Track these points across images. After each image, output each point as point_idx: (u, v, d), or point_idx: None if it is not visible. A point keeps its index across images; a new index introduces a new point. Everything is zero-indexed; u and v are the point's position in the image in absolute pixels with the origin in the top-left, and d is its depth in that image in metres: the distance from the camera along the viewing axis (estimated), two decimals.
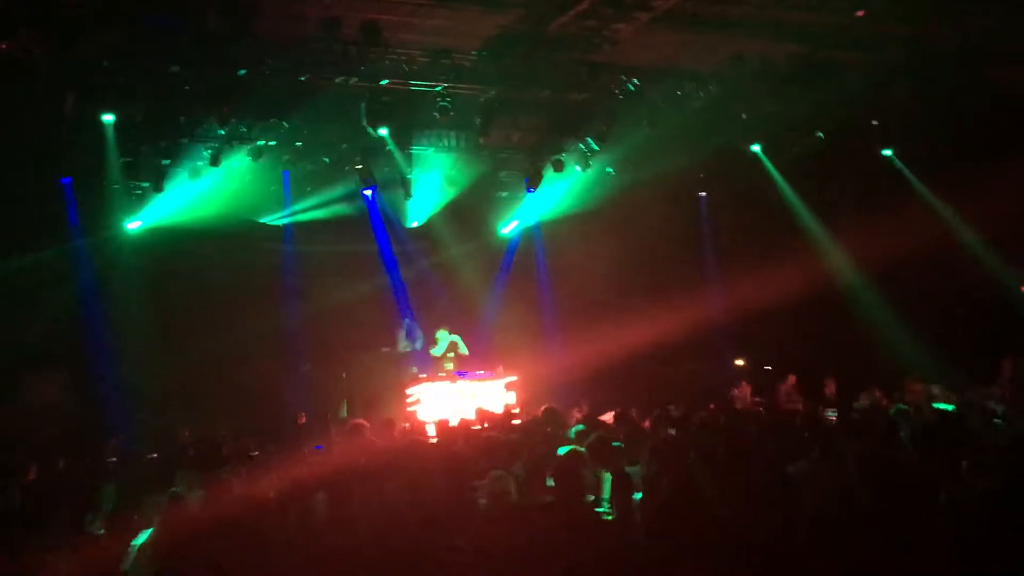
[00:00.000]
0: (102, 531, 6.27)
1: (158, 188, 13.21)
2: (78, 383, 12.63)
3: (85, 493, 7.42)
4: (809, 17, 11.84)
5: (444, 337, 14.10)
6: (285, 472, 7.24)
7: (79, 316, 13.18)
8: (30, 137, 11.44)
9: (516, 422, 10.10)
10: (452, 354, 13.97)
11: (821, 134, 14.45)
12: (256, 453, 10.34)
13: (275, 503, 6.25)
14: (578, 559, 5.11)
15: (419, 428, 10.72)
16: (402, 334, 14.35)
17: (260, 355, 14.07)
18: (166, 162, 13.15)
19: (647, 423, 9.56)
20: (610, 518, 5.98)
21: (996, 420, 7.82)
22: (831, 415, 9.22)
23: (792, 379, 13.55)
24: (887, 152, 15.18)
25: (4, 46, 10.07)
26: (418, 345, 14.26)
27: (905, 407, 9.35)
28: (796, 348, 14.43)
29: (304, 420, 12.72)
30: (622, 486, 6.18)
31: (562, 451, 6.40)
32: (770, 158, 15.32)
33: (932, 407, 9.09)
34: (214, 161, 13.20)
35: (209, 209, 14.05)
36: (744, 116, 14.32)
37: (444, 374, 13.64)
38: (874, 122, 14.64)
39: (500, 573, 5.20)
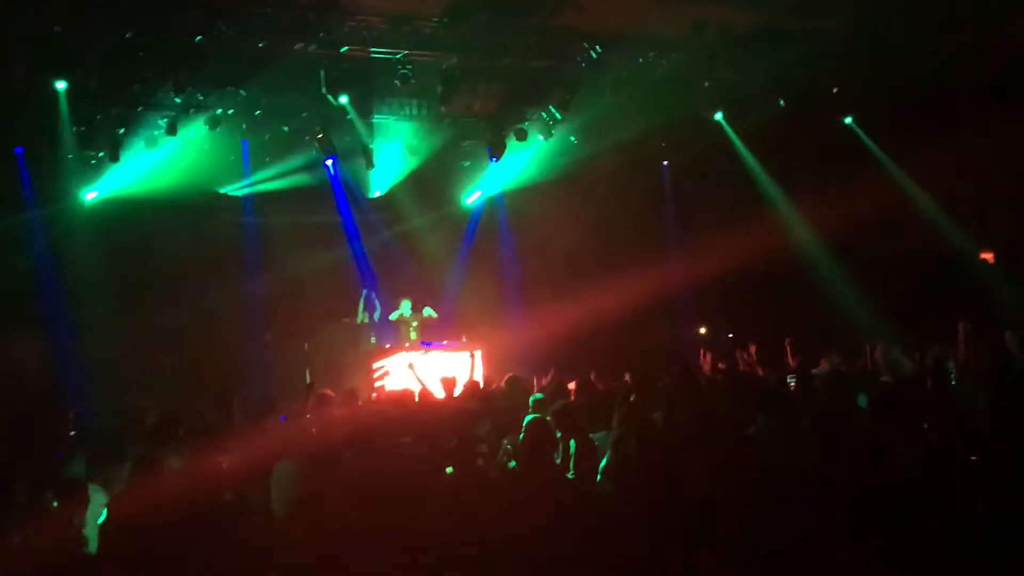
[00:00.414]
0: (56, 504, 6.17)
1: (114, 158, 12.95)
2: (36, 355, 12.39)
3: (45, 466, 7.29)
4: None
5: (407, 307, 14.03)
6: (251, 443, 7.19)
7: (35, 288, 12.91)
8: None
9: (480, 391, 10.10)
10: (416, 323, 13.91)
11: (782, 102, 14.50)
12: (217, 425, 10.29)
13: (241, 476, 6.20)
14: (551, 524, 5.15)
15: (385, 399, 10.68)
16: (361, 305, 14.27)
17: (221, 327, 13.95)
18: (121, 131, 12.88)
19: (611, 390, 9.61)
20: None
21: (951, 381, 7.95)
22: (791, 381, 9.31)
23: (752, 348, 13.64)
24: (847, 120, 15.29)
25: None
26: (376, 316, 14.19)
27: (864, 372, 9.53)
28: (757, 316, 14.55)
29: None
30: (587, 452, 6.22)
31: (528, 419, 6.42)
32: (732, 126, 15.36)
33: (892, 369, 9.23)
34: (171, 130, 12.91)
35: (166, 179, 13.79)
36: (706, 84, 14.31)
37: (408, 344, 13.59)
38: (834, 89, 14.70)
39: (469, 543, 5.22)
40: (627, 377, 9.58)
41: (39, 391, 11.93)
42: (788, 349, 10.73)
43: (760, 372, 10.43)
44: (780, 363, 11.63)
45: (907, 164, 14.65)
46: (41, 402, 11.56)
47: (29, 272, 12.96)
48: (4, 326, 12.17)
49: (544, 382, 10.56)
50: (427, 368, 12.09)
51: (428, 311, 14.03)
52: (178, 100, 12.49)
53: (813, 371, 9.67)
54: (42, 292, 12.99)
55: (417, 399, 9.23)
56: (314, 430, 7.89)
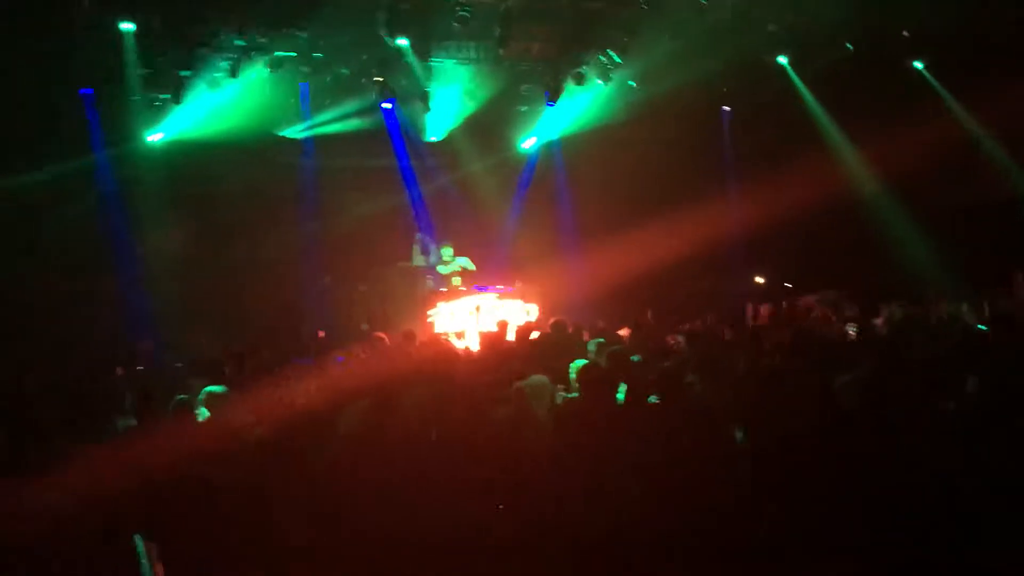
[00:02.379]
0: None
1: (177, 99, 13.16)
2: (104, 292, 12.75)
3: (116, 396, 7.54)
4: None
5: (448, 255, 14.10)
6: (310, 383, 7.31)
7: (102, 228, 13.24)
8: (48, 46, 11.33)
9: (535, 335, 10.17)
10: (458, 278, 13.98)
11: (850, 45, 14.10)
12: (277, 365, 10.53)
13: (302, 415, 6.29)
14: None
15: (439, 341, 10.81)
16: (416, 248, 14.39)
17: (279, 268, 14.19)
18: (185, 73, 13.04)
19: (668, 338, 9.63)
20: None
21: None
22: (852, 330, 9.22)
23: (810, 299, 13.47)
24: (918, 64, 14.82)
25: None
26: (432, 260, 14.31)
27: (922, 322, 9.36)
28: (816, 265, 14.36)
29: (323, 335, 12.85)
30: (637, 394, 6.24)
31: (579, 363, 6.48)
32: (796, 71, 15.00)
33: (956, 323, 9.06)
34: (233, 72, 13.07)
35: (228, 121, 13.96)
36: (770, 27, 13.97)
37: (463, 289, 13.71)
38: (904, 33, 14.23)
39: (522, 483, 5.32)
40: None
41: (110, 328, 12.27)
42: (848, 299, 10.60)
43: (822, 321, 10.30)
44: (840, 312, 11.51)
45: (977, 110, 14.17)
46: (112, 339, 11.91)
47: (96, 212, 13.27)
48: (74, 267, 12.50)
49: (601, 325, 10.59)
50: (481, 312, 12.19)
51: (465, 261, 14.08)
52: (240, 42, 12.61)
53: (873, 321, 9.58)
54: (109, 232, 13.30)
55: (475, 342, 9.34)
56: (371, 371, 8.01)
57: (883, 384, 5.23)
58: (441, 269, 14.04)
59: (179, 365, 10.27)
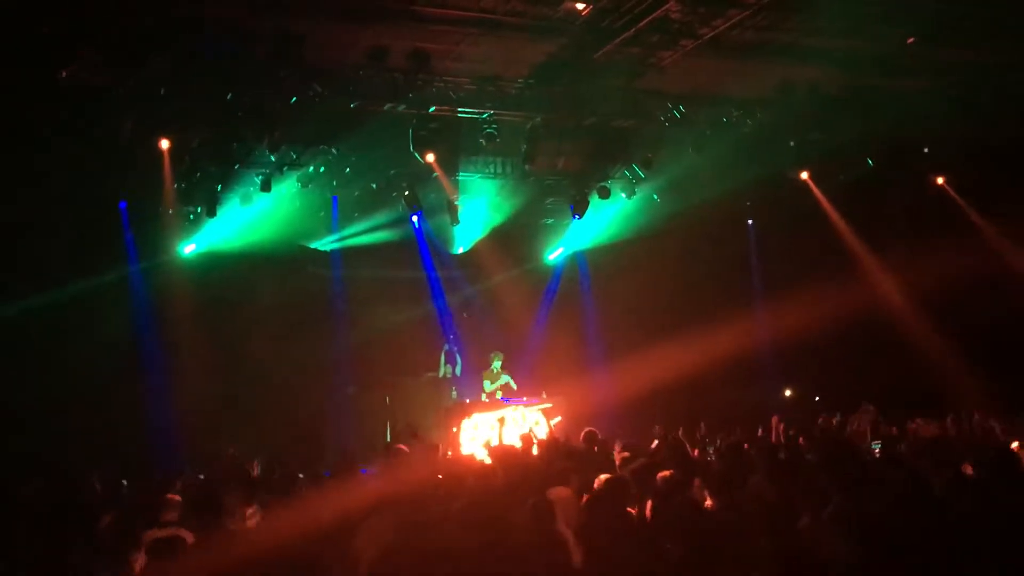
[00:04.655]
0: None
1: (211, 213, 13.44)
2: (133, 404, 12.81)
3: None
4: (856, 44, 11.78)
5: (497, 367, 14.14)
6: (338, 497, 7.21)
7: (135, 338, 13.41)
8: (89, 161, 11.72)
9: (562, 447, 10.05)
10: (497, 383, 14.02)
11: (871, 161, 14.29)
12: (302, 476, 10.44)
13: (332, 528, 6.19)
14: None
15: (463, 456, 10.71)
16: (442, 359, 14.43)
17: (306, 378, 14.23)
18: (219, 188, 13.40)
19: (695, 452, 9.48)
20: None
21: None
22: (876, 448, 9.07)
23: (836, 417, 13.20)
24: (939, 180, 14.97)
25: (65, 73, 10.37)
26: (458, 370, 14.33)
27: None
28: (843, 378, 14.21)
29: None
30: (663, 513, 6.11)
31: (603, 477, 6.39)
32: (818, 185, 15.18)
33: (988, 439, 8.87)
34: (265, 187, 13.40)
35: (260, 234, 14.28)
36: (792, 143, 14.23)
37: (486, 397, 13.70)
38: (925, 149, 14.43)
39: None
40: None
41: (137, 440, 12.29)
42: (870, 414, 10.43)
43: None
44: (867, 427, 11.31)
45: (1001, 225, 14.21)
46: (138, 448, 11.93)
47: (130, 322, 13.45)
48: (105, 375, 12.61)
49: (630, 440, 10.48)
50: (508, 427, 12.11)
51: (508, 379, 14.12)
52: (272, 158, 12.98)
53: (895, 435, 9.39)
54: (141, 342, 13.45)
55: (497, 456, 9.22)
56: (392, 487, 7.90)
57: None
58: (487, 385, 14.04)
59: (202, 477, 10.20)
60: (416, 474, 8.07)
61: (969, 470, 6.25)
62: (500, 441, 10.61)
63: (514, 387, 14.13)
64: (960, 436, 9.86)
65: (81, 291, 12.52)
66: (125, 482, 9.56)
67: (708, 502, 6.26)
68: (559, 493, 6.49)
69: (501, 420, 11.61)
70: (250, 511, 6.90)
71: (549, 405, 13.63)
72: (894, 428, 11.05)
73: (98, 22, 10.09)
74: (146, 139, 11.93)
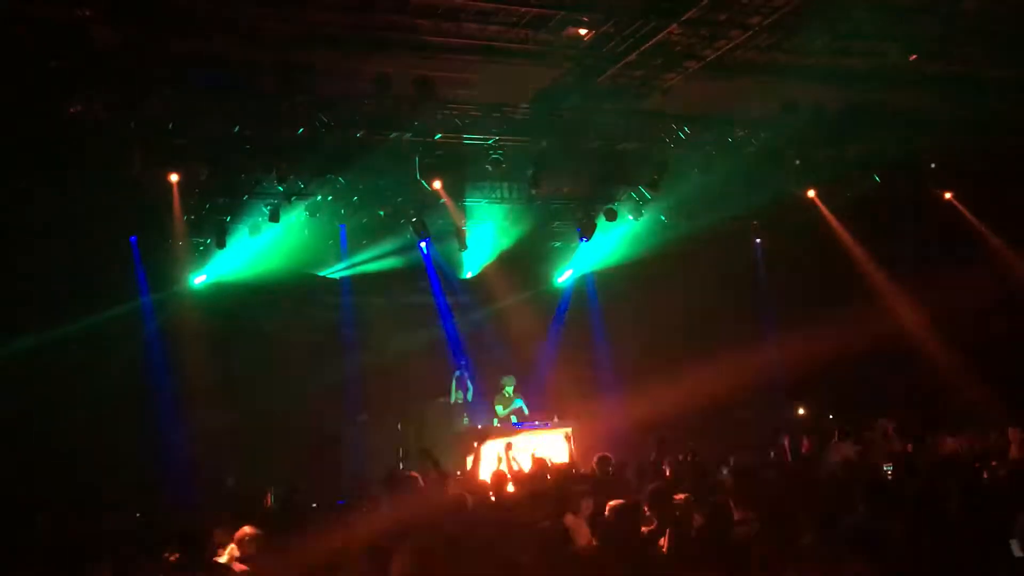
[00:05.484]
0: None
1: (220, 244, 13.51)
2: (144, 434, 12.85)
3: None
4: (859, 61, 11.82)
5: (509, 391, 14.13)
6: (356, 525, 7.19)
7: (146, 369, 13.45)
8: (100, 195, 11.82)
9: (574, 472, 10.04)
10: (509, 407, 14.03)
11: (877, 178, 14.29)
12: (315, 505, 10.45)
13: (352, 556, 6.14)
14: None
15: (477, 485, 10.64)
16: (453, 385, 14.43)
17: (318, 405, 14.25)
18: (227, 219, 13.49)
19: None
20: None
21: None
22: (888, 470, 9.01)
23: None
24: (947, 195, 14.95)
25: (74, 110, 10.49)
26: (469, 396, 14.32)
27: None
28: (853, 396, 14.15)
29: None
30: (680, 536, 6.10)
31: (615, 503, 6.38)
32: (825, 203, 15.16)
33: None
34: (273, 217, 13.44)
35: (269, 264, 14.33)
36: (797, 162, 14.24)
37: (498, 421, 13.69)
38: (932, 165, 14.43)
39: None
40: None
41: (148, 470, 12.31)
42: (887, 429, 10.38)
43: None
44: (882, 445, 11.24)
45: (1010, 239, 14.17)
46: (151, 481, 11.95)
47: (141, 353, 13.50)
48: (117, 405, 12.65)
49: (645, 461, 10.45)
50: (522, 451, 12.07)
51: (521, 403, 14.12)
52: (280, 188, 13.04)
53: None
54: (152, 372, 13.50)
55: (511, 484, 9.21)
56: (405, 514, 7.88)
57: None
58: (499, 410, 14.03)
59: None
60: (429, 502, 8.06)
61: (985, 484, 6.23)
62: (508, 466, 10.56)
63: (526, 412, 14.11)
64: (976, 452, 9.80)
65: (93, 323, 12.58)
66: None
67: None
68: (574, 518, 6.49)
69: (508, 446, 11.57)
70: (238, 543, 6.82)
71: (568, 430, 13.60)
72: (908, 445, 10.99)
73: (100, 59, 10.21)
74: (155, 172, 12.00)
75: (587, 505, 7.46)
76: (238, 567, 6.50)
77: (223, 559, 6.63)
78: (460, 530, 6.34)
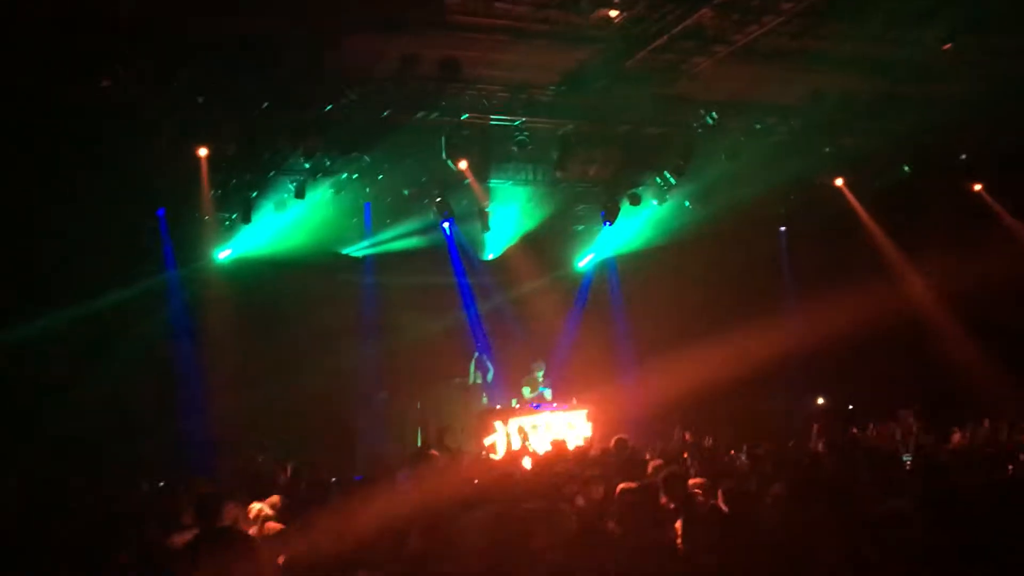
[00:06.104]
0: None
1: (246, 219, 13.59)
2: (169, 408, 13.01)
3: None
4: (891, 50, 11.68)
5: (539, 375, 14.19)
6: (373, 503, 7.24)
7: (171, 343, 13.60)
8: (128, 170, 11.92)
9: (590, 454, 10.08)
10: (535, 392, 14.12)
11: (907, 167, 14.14)
12: (334, 480, 10.53)
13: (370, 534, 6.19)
14: None
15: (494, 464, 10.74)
16: (472, 366, 14.49)
17: (339, 383, 14.35)
18: (253, 194, 13.56)
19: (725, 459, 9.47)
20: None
21: None
22: (907, 460, 8.99)
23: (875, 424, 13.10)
24: (977, 187, 14.78)
25: (105, 84, 10.57)
26: (488, 377, 14.38)
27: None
28: (876, 385, 14.07)
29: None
30: (695, 520, 6.11)
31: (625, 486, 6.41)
32: (853, 192, 15.04)
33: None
34: (299, 193, 13.52)
35: (293, 240, 14.42)
36: (826, 149, 14.12)
37: (518, 403, 13.76)
38: (962, 156, 14.26)
39: None
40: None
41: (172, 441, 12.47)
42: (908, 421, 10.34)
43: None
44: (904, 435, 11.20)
45: None
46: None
47: (166, 327, 13.65)
48: (143, 379, 12.81)
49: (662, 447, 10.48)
50: (539, 432, 12.15)
51: (546, 390, 14.17)
52: (307, 165, 13.12)
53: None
54: (177, 346, 13.64)
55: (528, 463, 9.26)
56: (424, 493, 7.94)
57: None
58: (526, 391, 14.09)
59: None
60: (445, 480, 8.13)
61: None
62: (522, 447, 10.64)
63: (548, 398, 14.17)
64: (996, 444, 9.74)
65: (120, 297, 12.73)
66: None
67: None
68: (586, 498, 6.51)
69: (522, 428, 11.66)
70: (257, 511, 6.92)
71: (584, 411, 13.65)
72: (931, 436, 10.95)
73: (130, 35, 10.27)
74: (184, 147, 12.10)
75: (600, 487, 7.50)
76: (272, 526, 6.59)
77: (252, 516, 6.72)
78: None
